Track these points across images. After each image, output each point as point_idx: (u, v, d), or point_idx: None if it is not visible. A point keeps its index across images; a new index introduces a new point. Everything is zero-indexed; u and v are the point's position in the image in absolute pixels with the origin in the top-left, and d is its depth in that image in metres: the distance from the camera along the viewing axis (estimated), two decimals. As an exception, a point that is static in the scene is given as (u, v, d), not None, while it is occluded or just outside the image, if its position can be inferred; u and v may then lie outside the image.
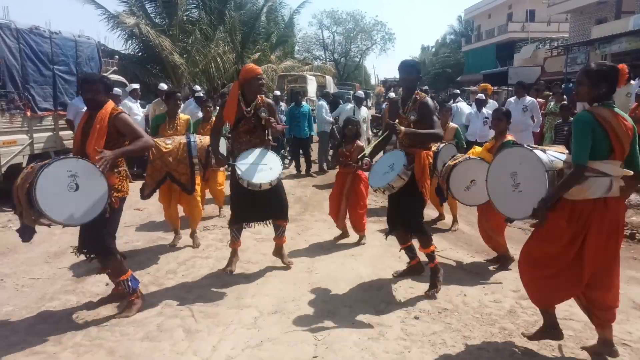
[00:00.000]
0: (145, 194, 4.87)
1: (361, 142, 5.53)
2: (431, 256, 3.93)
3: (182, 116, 5.28)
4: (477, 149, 4.85)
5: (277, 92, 13.06)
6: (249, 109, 4.10)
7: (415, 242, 4.15)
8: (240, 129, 4.18)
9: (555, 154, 2.93)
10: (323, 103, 10.85)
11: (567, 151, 2.90)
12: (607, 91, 2.72)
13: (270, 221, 4.42)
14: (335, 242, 5.41)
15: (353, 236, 5.53)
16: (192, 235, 5.26)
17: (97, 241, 3.42)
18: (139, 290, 3.64)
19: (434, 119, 3.76)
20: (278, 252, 4.59)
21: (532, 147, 3.00)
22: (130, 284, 3.54)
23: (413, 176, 3.76)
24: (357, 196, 5.34)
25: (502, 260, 4.57)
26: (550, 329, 3.03)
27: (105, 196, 3.22)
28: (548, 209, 2.74)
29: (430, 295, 3.84)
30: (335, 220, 5.47)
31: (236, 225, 4.36)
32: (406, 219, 3.95)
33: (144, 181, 4.95)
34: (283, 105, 12.08)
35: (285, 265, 4.53)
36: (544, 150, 2.93)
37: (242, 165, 4.00)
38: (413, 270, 4.28)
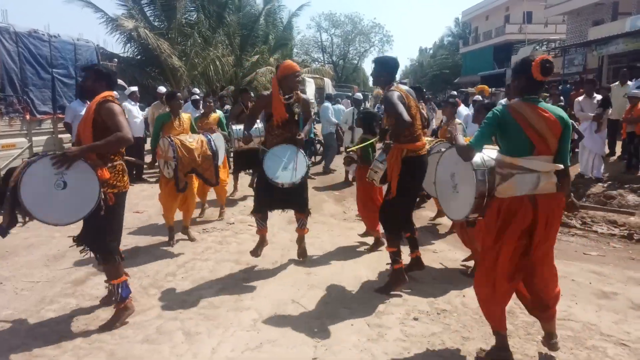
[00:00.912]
0: (180, 188, 5.00)
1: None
2: (394, 259, 3.95)
3: (184, 115, 5.47)
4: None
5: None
6: (288, 98, 4.29)
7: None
8: (273, 122, 4.36)
9: (490, 153, 3.00)
10: (328, 105, 10.89)
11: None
12: (526, 85, 2.71)
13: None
14: (331, 246, 5.40)
15: (350, 239, 5.54)
16: (186, 231, 5.43)
17: (95, 239, 3.31)
18: (128, 301, 3.45)
19: (395, 110, 3.54)
20: (299, 240, 4.80)
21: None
22: (120, 291, 3.38)
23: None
24: (371, 192, 5.18)
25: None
26: (501, 350, 2.89)
27: (95, 193, 3.05)
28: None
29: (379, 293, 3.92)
30: (366, 218, 5.32)
31: (259, 214, 4.52)
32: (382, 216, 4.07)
33: (164, 177, 5.13)
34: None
35: (298, 255, 4.76)
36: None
37: (270, 161, 4.24)
38: (413, 266, 4.22)
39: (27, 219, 3.07)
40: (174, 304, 3.78)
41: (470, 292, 3.96)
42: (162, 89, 10.65)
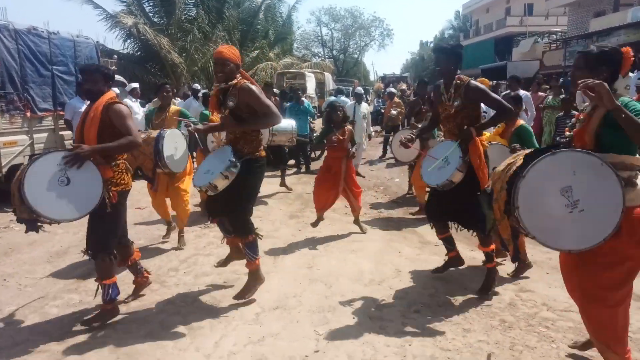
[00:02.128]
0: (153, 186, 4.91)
1: (349, 126, 5.56)
2: (489, 255, 3.74)
3: (173, 107, 5.28)
4: (486, 134, 4.43)
5: (274, 88, 13.03)
6: (218, 87, 3.58)
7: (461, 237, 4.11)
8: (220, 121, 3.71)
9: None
10: (345, 99, 10.75)
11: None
12: (607, 77, 2.33)
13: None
14: (313, 227, 5.51)
15: (351, 232, 5.55)
16: (180, 234, 5.16)
17: (94, 236, 3.29)
18: (115, 303, 3.41)
19: (494, 97, 3.55)
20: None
21: (581, 150, 2.33)
22: (110, 292, 3.33)
23: (470, 167, 3.52)
24: (353, 178, 5.52)
25: (519, 266, 4.14)
26: None
27: (99, 190, 3.09)
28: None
29: (480, 297, 3.67)
30: (320, 207, 5.49)
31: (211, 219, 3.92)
32: (467, 214, 3.60)
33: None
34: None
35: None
36: (588, 152, 2.30)
37: (200, 166, 3.74)
38: (452, 263, 4.07)
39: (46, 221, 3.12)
40: (177, 298, 3.80)
41: (471, 284, 3.97)
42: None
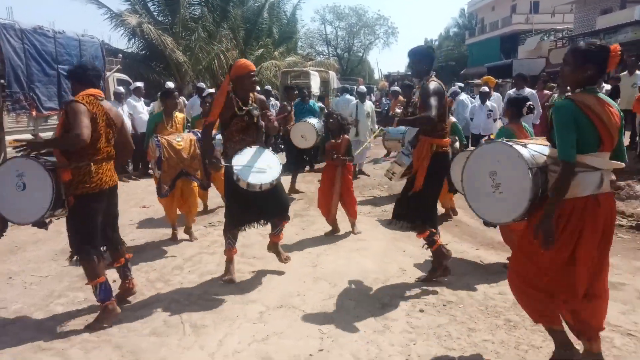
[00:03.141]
0: (163, 192, 4.90)
1: (347, 136, 5.55)
2: (430, 240, 3.89)
3: (179, 115, 5.33)
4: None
5: (268, 87, 12.96)
6: (242, 107, 3.86)
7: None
8: (232, 128, 3.93)
9: (536, 148, 2.65)
10: (350, 97, 10.59)
11: (549, 143, 2.62)
12: (593, 75, 2.41)
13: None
14: (333, 238, 5.40)
15: (346, 229, 5.54)
16: (188, 231, 5.32)
17: (68, 238, 3.36)
18: (110, 303, 3.33)
19: (428, 102, 3.54)
20: (274, 248, 4.38)
21: (510, 142, 2.70)
22: (98, 292, 3.30)
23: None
24: (348, 184, 5.51)
25: None
26: (563, 348, 2.63)
27: (48, 194, 3.08)
28: (550, 221, 2.39)
29: (420, 278, 3.91)
30: (327, 215, 5.48)
31: (232, 231, 4.09)
32: (408, 209, 3.90)
33: (157, 179, 4.97)
34: (272, 100, 12.06)
35: (282, 261, 4.35)
36: (524, 145, 2.66)
37: (239, 166, 3.76)
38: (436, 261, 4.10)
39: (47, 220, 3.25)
40: (181, 297, 3.81)
41: (475, 283, 3.96)
42: (169, 85, 10.60)
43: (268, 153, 3.96)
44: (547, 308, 2.61)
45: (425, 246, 3.99)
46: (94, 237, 3.36)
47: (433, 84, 3.67)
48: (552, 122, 2.44)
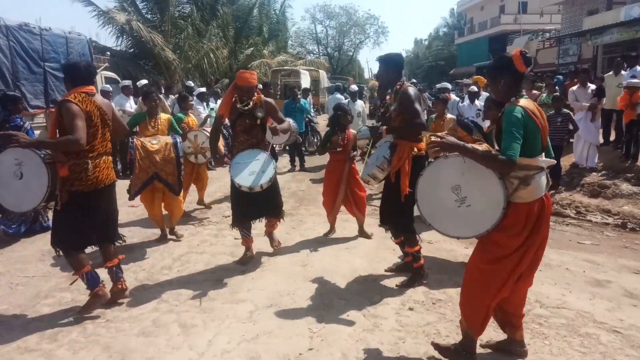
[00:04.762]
0: (131, 195, 4.82)
1: (353, 130, 5.48)
2: (416, 256, 3.94)
3: (163, 115, 5.27)
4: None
5: (190, 83, 12.22)
6: (244, 106, 4.15)
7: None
8: (237, 129, 4.26)
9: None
10: (340, 96, 10.51)
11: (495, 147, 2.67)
12: (516, 81, 2.56)
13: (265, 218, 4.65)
14: (325, 237, 5.38)
15: (345, 230, 5.54)
16: (173, 231, 5.28)
17: (54, 231, 3.43)
18: (98, 289, 3.44)
19: (414, 108, 3.59)
20: (269, 234, 4.81)
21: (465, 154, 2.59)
22: (86, 280, 3.42)
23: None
24: (357, 180, 5.32)
25: None
26: (469, 354, 2.80)
27: (44, 187, 3.16)
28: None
29: (400, 285, 3.91)
30: (330, 211, 5.40)
31: (240, 224, 4.48)
32: (392, 216, 3.94)
33: (129, 181, 4.90)
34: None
35: (273, 247, 4.76)
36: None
37: (236, 167, 4.11)
38: (407, 267, 4.20)
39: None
40: (170, 296, 3.78)
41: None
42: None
43: (264, 157, 4.18)
44: (488, 318, 2.76)
45: (406, 258, 4.14)
46: (76, 233, 3.38)
47: (411, 89, 3.71)
48: (500, 126, 2.53)
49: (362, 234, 5.36)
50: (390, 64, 3.85)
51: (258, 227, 5.14)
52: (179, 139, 5.01)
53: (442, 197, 2.66)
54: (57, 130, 3.29)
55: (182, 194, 5.31)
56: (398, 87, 3.76)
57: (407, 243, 3.96)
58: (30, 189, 3.21)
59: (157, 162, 4.75)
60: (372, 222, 5.97)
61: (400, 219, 3.87)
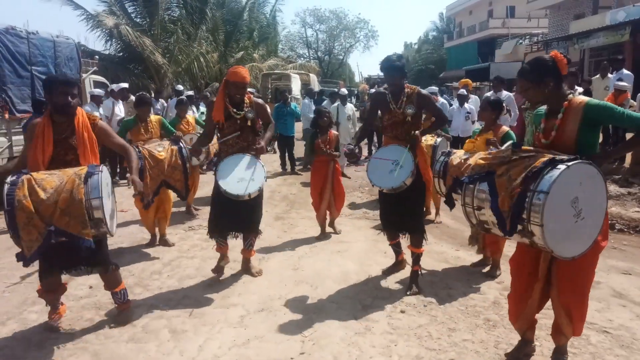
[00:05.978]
0: (144, 204, 4.75)
1: (335, 132, 5.62)
2: (418, 257, 3.91)
3: (153, 117, 5.28)
4: (480, 139, 4.29)
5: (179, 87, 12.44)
6: (235, 110, 3.92)
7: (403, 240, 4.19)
8: (225, 131, 3.98)
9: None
10: (308, 102, 10.94)
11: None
12: (555, 85, 2.51)
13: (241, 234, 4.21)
14: (317, 241, 5.37)
15: (336, 234, 5.55)
16: (162, 239, 5.21)
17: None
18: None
19: (437, 105, 3.90)
20: (245, 264, 4.32)
21: (580, 159, 2.31)
22: (121, 297, 3.43)
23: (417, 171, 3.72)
24: (339, 176, 5.66)
25: (492, 267, 4.27)
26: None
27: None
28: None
29: (411, 293, 3.81)
30: (318, 209, 5.51)
31: (216, 235, 4.13)
32: (407, 217, 3.86)
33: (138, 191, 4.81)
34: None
35: (254, 275, 4.26)
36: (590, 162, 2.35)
37: (223, 172, 3.82)
38: (400, 266, 4.31)
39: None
40: (160, 302, 3.75)
41: (455, 284, 4.00)
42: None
43: (257, 165, 3.90)
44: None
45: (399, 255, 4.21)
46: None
47: (424, 91, 3.91)
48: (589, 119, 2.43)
49: (332, 226, 5.65)
50: (396, 70, 3.72)
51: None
52: (183, 144, 4.98)
53: (565, 214, 2.27)
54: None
55: (171, 198, 5.28)
56: (409, 90, 3.78)
57: (413, 244, 3.90)
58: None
59: (165, 169, 4.74)
60: (363, 224, 5.99)
61: (414, 219, 3.89)
